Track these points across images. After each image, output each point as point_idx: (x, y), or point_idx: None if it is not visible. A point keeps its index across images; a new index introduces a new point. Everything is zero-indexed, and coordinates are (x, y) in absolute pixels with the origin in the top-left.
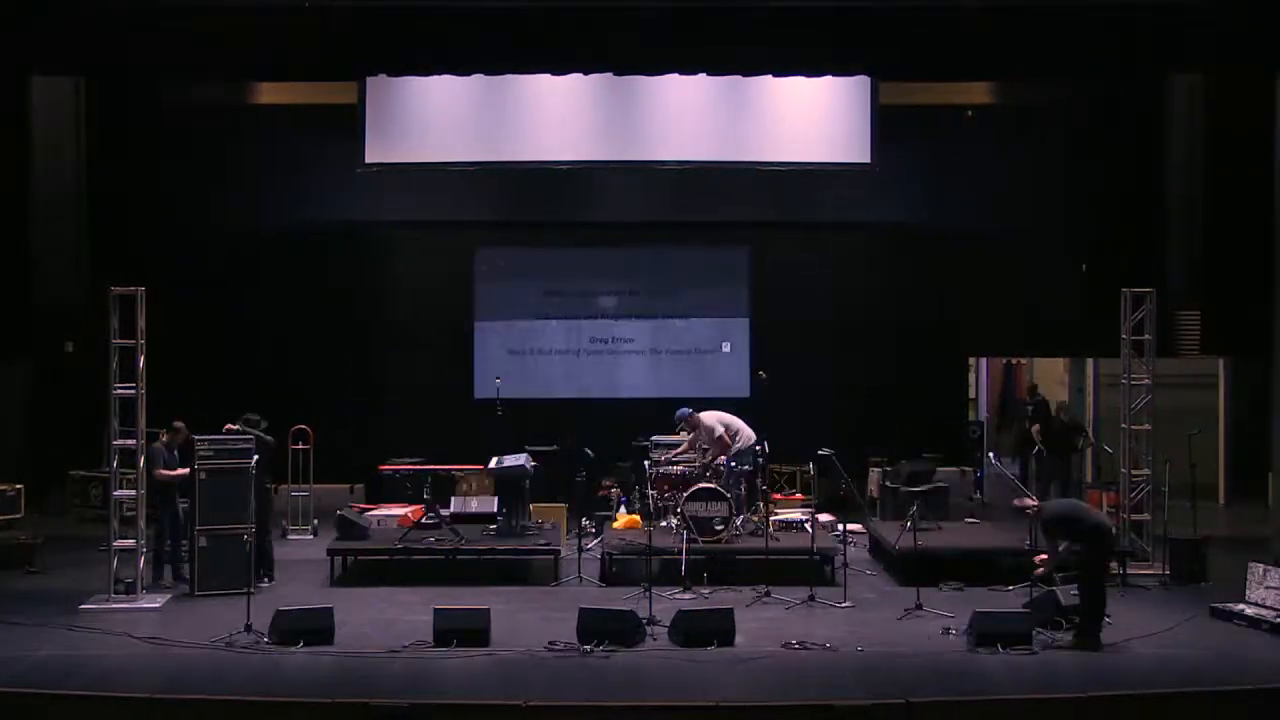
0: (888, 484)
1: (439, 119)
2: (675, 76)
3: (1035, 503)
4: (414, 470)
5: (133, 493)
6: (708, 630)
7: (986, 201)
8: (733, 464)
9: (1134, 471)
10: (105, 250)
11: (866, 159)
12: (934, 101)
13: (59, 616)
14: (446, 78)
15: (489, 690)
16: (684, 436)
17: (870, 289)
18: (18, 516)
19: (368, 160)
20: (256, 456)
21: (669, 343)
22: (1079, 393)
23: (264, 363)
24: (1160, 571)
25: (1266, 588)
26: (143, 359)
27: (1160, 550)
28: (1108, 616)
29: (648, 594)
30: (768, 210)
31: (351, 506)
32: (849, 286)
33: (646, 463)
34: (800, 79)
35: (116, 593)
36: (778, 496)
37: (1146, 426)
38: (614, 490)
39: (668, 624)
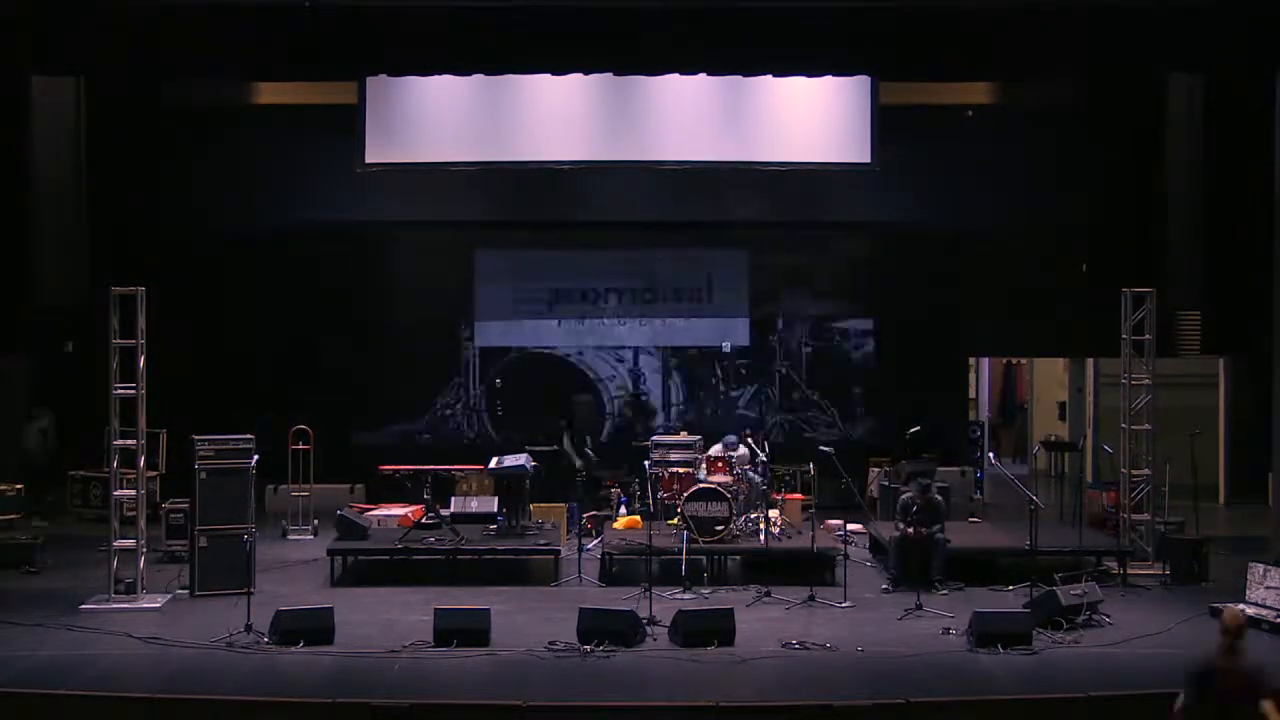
0: (888, 484)
1: (439, 119)
2: (675, 76)
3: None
4: (414, 470)
5: (133, 493)
6: (708, 630)
7: (986, 201)
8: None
9: (1134, 471)
10: (105, 250)
11: (866, 159)
12: (934, 101)
13: (59, 616)
14: (446, 78)
15: (489, 690)
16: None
17: (870, 289)
18: (18, 516)
19: (368, 160)
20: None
21: (669, 342)
22: (1079, 393)
23: (264, 362)
24: (1160, 571)
25: (1266, 588)
26: (143, 359)
27: (1160, 550)
28: (1107, 616)
29: (648, 594)
30: (768, 210)
31: (351, 506)
32: (849, 286)
33: (647, 463)
34: (800, 79)
35: (116, 593)
36: (779, 496)
37: (1146, 426)
38: (614, 490)
39: (668, 624)
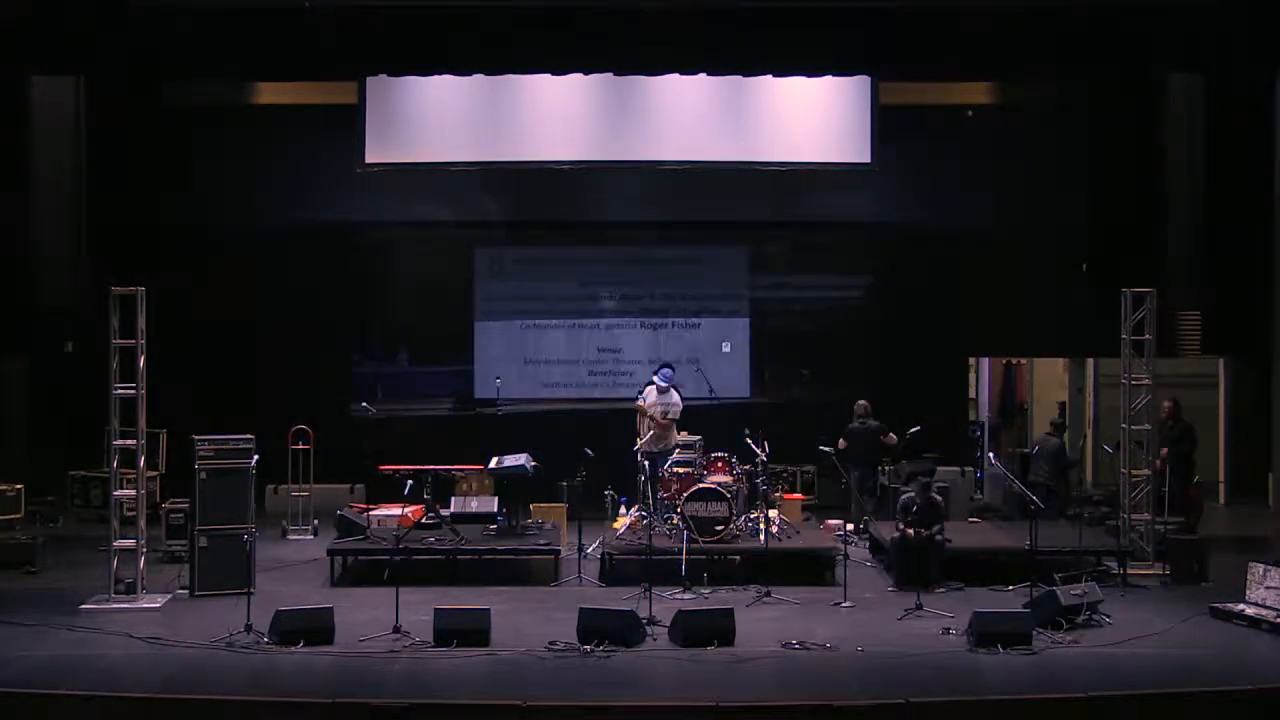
0: (888, 484)
1: (439, 119)
2: (675, 76)
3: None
4: (414, 470)
5: (133, 493)
6: (708, 630)
7: (986, 201)
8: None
9: (1134, 472)
10: (105, 250)
11: (866, 159)
12: (934, 101)
13: (59, 616)
14: (447, 78)
15: (489, 690)
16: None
17: (870, 289)
18: (18, 516)
19: (368, 160)
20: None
21: (669, 342)
22: (1079, 392)
23: (264, 362)
24: (1160, 572)
25: (1266, 588)
26: (143, 359)
27: (1160, 550)
28: (1107, 616)
29: (648, 594)
30: (767, 210)
31: (351, 506)
32: (849, 286)
33: (646, 463)
34: (800, 79)
35: (116, 593)
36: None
37: (1146, 426)
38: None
39: (668, 624)
